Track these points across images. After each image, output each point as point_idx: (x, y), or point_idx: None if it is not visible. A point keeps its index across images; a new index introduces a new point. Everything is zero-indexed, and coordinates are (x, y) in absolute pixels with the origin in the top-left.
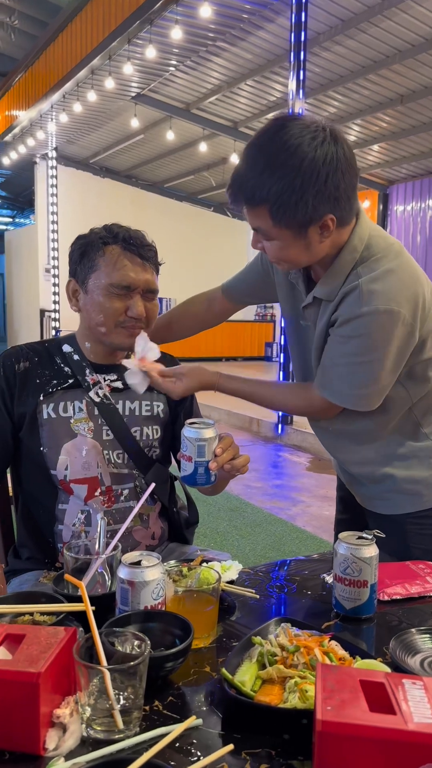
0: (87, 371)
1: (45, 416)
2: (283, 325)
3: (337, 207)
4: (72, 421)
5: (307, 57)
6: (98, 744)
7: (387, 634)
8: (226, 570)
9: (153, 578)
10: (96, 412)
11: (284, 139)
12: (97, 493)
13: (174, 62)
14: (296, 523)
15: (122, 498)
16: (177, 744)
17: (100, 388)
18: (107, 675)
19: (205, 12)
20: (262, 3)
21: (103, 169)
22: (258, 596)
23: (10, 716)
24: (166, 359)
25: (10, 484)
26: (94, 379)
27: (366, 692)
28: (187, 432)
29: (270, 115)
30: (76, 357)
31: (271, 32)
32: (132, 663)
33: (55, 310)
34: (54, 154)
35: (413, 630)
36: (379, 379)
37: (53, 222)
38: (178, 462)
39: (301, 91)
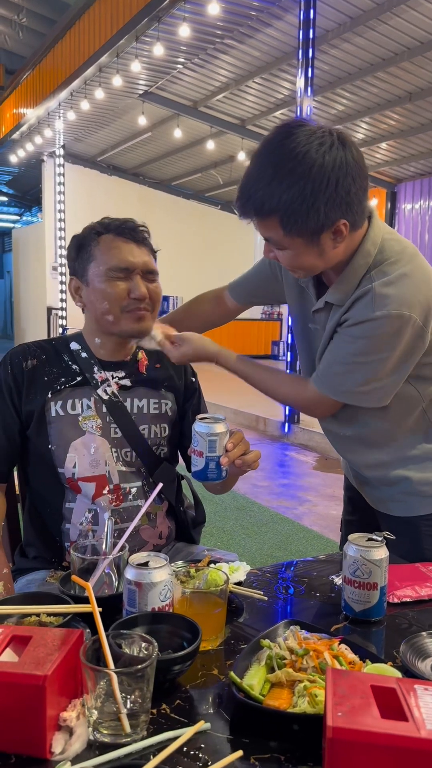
0: (95, 368)
1: (53, 414)
2: (290, 324)
3: (349, 212)
4: (80, 418)
5: (315, 54)
6: (105, 748)
7: (397, 637)
8: (234, 571)
9: (160, 579)
10: (104, 409)
11: (291, 147)
12: (104, 492)
13: (182, 60)
14: (303, 523)
15: (130, 496)
16: (185, 749)
17: (109, 385)
18: (114, 678)
19: (213, 9)
20: (271, 0)
21: (110, 167)
22: (266, 598)
23: (16, 719)
24: None
25: (17, 483)
26: (102, 377)
27: (377, 698)
28: (198, 427)
29: (278, 113)
30: (84, 354)
31: (279, 29)
32: (140, 666)
33: (62, 308)
34: (61, 151)
35: (424, 633)
36: (377, 378)
37: (60, 220)
38: (189, 458)
39: (309, 89)
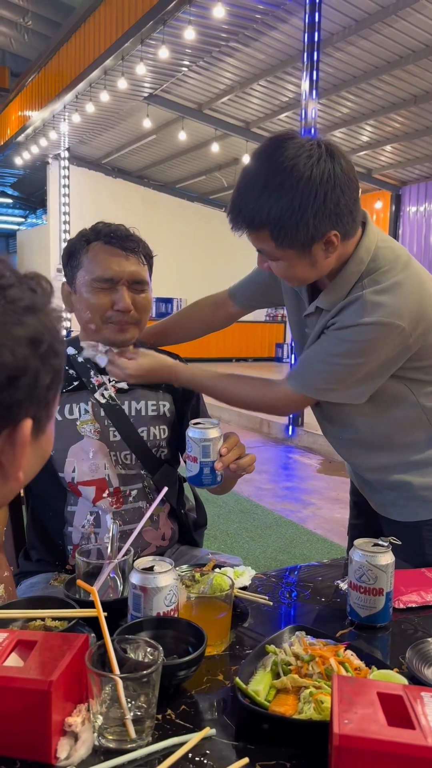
0: (91, 373)
1: None
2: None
3: (339, 223)
4: (78, 423)
5: (320, 57)
6: (110, 753)
7: (403, 643)
8: (239, 576)
9: (166, 584)
10: (102, 413)
11: (279, 161)
12: (104, 495)
13: (187, 63)
14: (307, 526)
15: (131, 499)
16: (190, 755)
17: (106, 389)
18: (119, 683)
19: (219, 12)
20: (276, 3)
21: (115, 169)
22: (271, 603)
23: (21, 724)
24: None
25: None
26: (99, 381)
27: (384, 705)
28: (192, 432)
29: (283, 116)
30: (80, 359)
31: (284, 32)
32: (145, 671)
33: (66, 310)
34: (66, 154)
35: (430, 639)
36: (353, 379)
37: (65, 222)
38: (185, 462)
39: (314, 92)
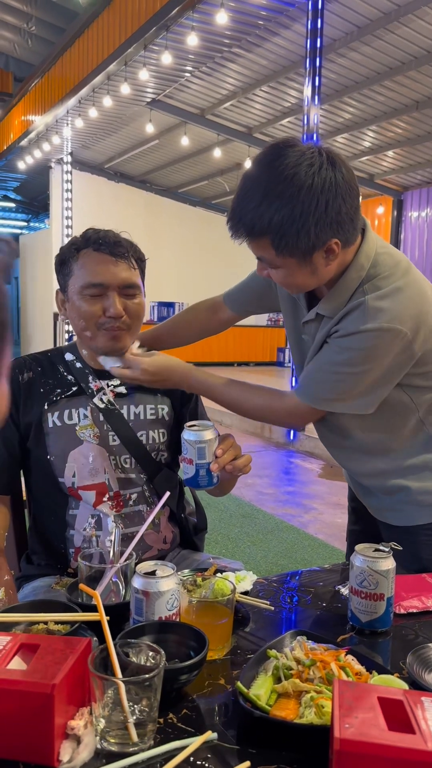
0: (90, 378)
1: (50, 425)
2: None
3: (340, 231)
4: (77, 428)
5: (322, 63)
6: (112, 757)
7: (403, 648)
8: (240, 580)
9: (168, 589)
10: (101, 418)
11: (280, 169)
12: (105, 499)
13: (189, 68)
14: (308, 531)
15: (131, 502)
16: (192, 759)
17: (104, 393)
18: (122, 687)
19: (222, 19)
20: (278, 10)
21: (117, 174)
22: (273, 608)
23: (24, 727)
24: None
25: (24, 490)
26: (97, 386)
27: (384, 710)
28: (187, 435)
29: (285, 121)
30: (78, 365)
31: (286, 38)
32: (147, 675)
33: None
34: (69, 158)
35: (430, 645)
36: (359, 388)
37: (68, 226)
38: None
39: (316, 98)
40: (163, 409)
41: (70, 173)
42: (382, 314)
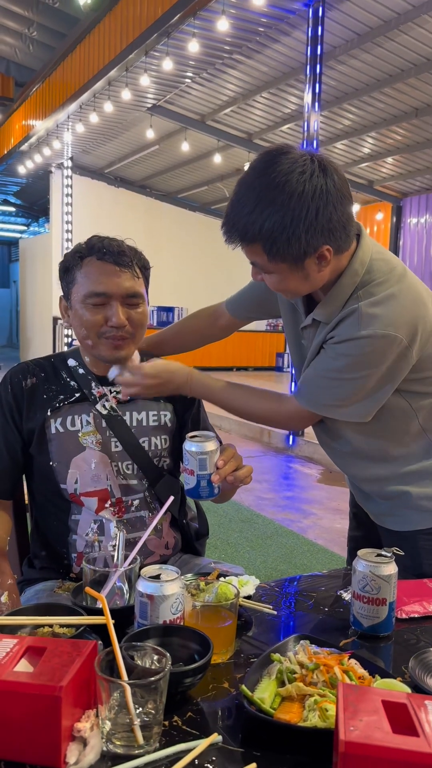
0: (93, 384)
1: (53, 431)
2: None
3: (332, 237)
4: (80, 434)
5: (322, 70)
6: (118, 759)
7: (405, 653)
8: (243, 585)
9: (172, 592)
10: (104, 424)
11: (273, 176)
12: (107, 505)
13: (190, 74)
14: (308, 536)
15: (132, 508)
16: (196, 762)
17: (107, 400)
18: (128, 690)
19: (223, 26)
20: (279, 17)
21: (117, 179)
22: (275, 612)
23: (31, 729)
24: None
25: (26, 495)
26: (100, 392)
27: (388, 713)
28: (188, 446)
29: (285, 127)
30: (81, 371)
31: (286, 45)
32: (153, 678)
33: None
34: (69, 163)
35: None
36: (357, 395)
37: (68, 231)
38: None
39: (317, 104)
40: (165, 415)
41: (71, 178)
42: (376, 321)
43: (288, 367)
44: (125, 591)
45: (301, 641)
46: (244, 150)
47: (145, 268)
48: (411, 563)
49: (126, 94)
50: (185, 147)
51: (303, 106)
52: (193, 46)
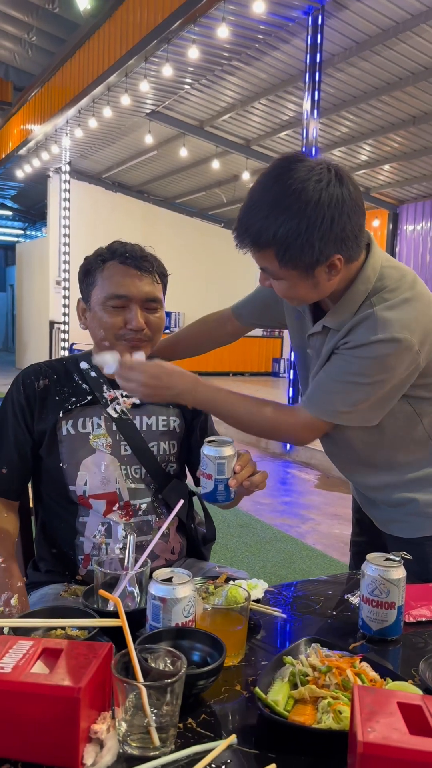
0: (104, 387)
1: (64, 433)
2: (291, 349)
3: (344, 247)
4: (91, 437)
5: (321, 78)
6: (133, 760)
7: (414, 656)
8: (252, 588)
9: (184, 595)
10: (114, 427)
11: (288, 183)
12: (115, 508)
13: (189, 80)
14: (306, 541)
15: (140, 512)
16: (212, 765)
17: (118, 403)
18: (144, 692)
19: (223, 33)
20: (278, 24)
21: (115, 183)
22: (285, 616)
23: (49, 731)
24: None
25: (30, 497)
26: (111, 395)
27: (404, 715)
28: (207, 450)
29: (283, 134)
30: (93, 374)
31: (285, 53)
32: (170, 680)
33: (64, 322)
34: (67, 168)
35: None
36: (369, 400)
37: (65, 235)
38: (197, 479)
39: (315, 112)
40: (174, 421)
41: (68, 182)
42: (392, 325)
43: (284, 372)
44: (136, 594)
45: (313, 644)
46: (242, 156)
47: (163, 275)
48: (419, 569)
49: (125, 100)
50: (183, 153)
51: (301, 113)
52: (193, 53)
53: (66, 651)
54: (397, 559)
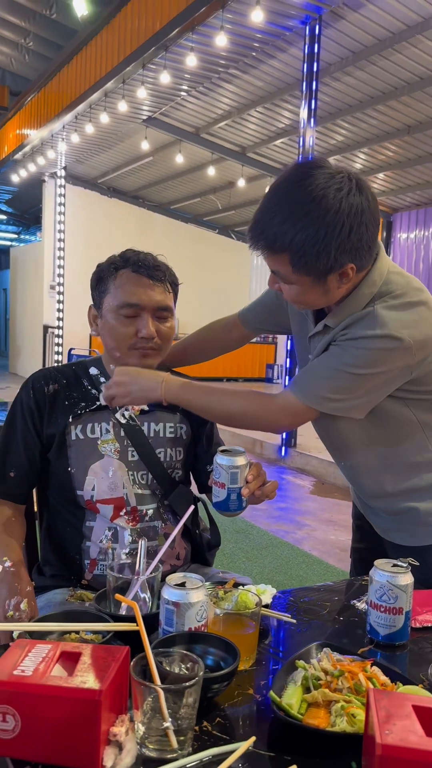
0: None
1: (73, 437)
2: (295, 354)
3: (357, 256)
4: (99, 442)
5: (318, 87)
6: (151, 763)
7: (421, 661)
8: (261, 594)
9: (197, 600)
10: (122, 433)
11: (309, 189)
12: (122, 513)
13: (186, 87)
14: (302, 547)
15: (147, 518)
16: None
17: (126, 409)
18: (161, 694)
19: (221, 41)
20: (276, 34)
21: (110, 189)
22: (294, 621)
23: (70, 733)
24: None
25: (35, 502)
26: None
27: (420, 717)
28: (221, 459)
29: (278, 142)
30: (102, 379)
31: (282, 61)
32: (188, 683)
33: (58, 327)
34: (63, 173)
35: None
36: (355, 391)
37: (60, 240)
38: (200, 479)
39: (312, 120)
40: (181, 428)
41: (64, 187)
42: (393, 323)
43: (278, 378)
44: (148, 599)
45: (324, 648)
46: (238, 163)
47: (174, 284)
48: (421, 576)
49: (122, 106)
50: (179, 159)
51: (296, 122)
52: (191, 60)
53: (85, 655)
54: (405, 565)
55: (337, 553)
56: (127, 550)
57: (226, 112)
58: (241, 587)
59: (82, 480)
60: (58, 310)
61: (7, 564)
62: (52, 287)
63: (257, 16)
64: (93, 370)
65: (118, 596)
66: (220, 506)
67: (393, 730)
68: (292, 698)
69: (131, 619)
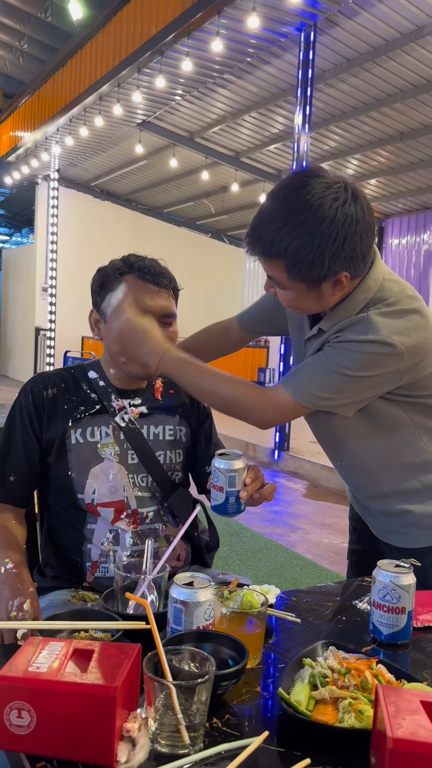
0: (112, 397)
1: (73, 441)
2: (282, 351)
3: (351, 265)
4: (99, 445)
5: (312, 93)
6: (164, 758)
7: (423, 660)
8: (265, 593)
9: (205, 599)
10: (122, 436)
11: (306, 198)
12: (122, 516)
13: (181, 92)
14: (296, 550)
15: (147, 520)
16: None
17: (126, 413)
18: (173, 691)
19: (217, 46)
20: (271, 40)
21: (104, 192)
22: (299, 621)
23: (85, 729)
24: None
25: (35, 504)
26: (119, 405)
27: (428, 712)
28: (219, 463)
29: (272, 147)
30: (101, 383)
31: (276, 67)
32: (200, 680)
33: (50, 329)
34: (56, 175)
35: None
36: (343, 392)
37: (53, 242)
38: (199, 480)
39: (307, 126)
40: (181, 430)
41: (57, 190)
42: (386, 329)
43: (270, 382)
44: (155, 599)
45: (330, 647)
46: (232, 168)
47: (176, 290)
48: (420, 578)
49: (117, 110)
50: (173, 163)
51: (290, 127)
52: (186, 65)
53: (98, 652)
54: (407, 566)
55: (331, 556)
56: (128, 553)
57: (221, 117)
58: (245, 587)
59: (82, 483)
60: (51, 313)
61: (9, 565)
62: (44, 289)
63: (253, 23)
64: (92, 374)
65: (128, 595)
66: (219, 509)
67: (403, 724)
68: (300, 695)
69: (140, 617)
